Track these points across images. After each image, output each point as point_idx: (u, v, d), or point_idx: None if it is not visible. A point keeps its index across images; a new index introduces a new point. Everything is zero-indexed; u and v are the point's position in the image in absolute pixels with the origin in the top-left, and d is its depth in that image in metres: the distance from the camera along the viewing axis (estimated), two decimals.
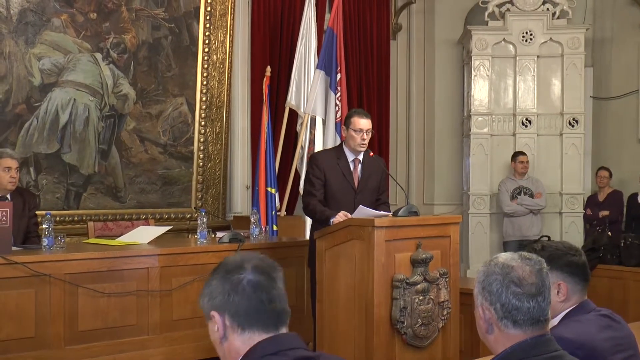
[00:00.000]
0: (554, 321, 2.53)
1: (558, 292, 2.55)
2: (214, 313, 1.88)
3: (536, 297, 1.97)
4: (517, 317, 1.96)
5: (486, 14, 8.77)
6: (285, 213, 7.30)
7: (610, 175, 8.28)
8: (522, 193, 8.18)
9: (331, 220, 4.62)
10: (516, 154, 8.28)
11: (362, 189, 5.00)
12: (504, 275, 1.99)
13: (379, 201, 5.08)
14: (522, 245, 7.76)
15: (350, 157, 5.02)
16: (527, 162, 8.22)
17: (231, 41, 7.36)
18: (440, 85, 9.42)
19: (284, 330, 1.91)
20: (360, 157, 5.02)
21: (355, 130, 4.90)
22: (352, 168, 5.01)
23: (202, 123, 7.20)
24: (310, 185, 4.98)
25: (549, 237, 6.79)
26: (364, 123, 4.90)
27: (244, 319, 1.85)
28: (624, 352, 2.46)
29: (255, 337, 1.87)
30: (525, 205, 8.10)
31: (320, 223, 4.79)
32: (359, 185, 5.00)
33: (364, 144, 4.92)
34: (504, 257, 2.06)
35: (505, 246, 8.21)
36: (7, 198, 5.03)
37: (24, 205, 5.16)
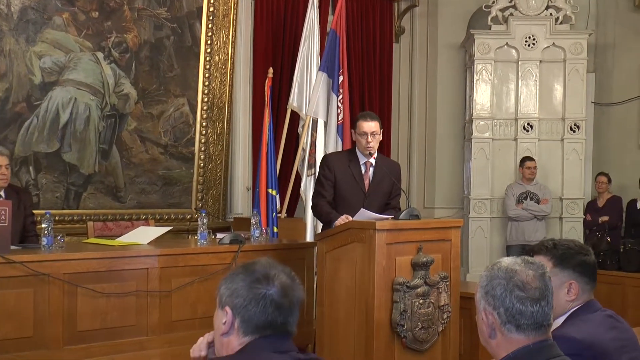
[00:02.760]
0: (559, 320, 2.51)
1: (568, 291, 2.52)
2: (228, 309, 1.93)
3: (540, 301, 1.96)
4: (521, 321, 1.95)
5: (489, 18, 8.76)
6: (285, 215, 7.29)
7: (609, 180, 8.28)
8: (529, 198, 8.18)
9: (333, 224, 4.62)
10: (524, 159, 8.29)
11: (373, 192, 4.98)
12: (508, 279, 1.98)
13: (388, 205, 5.05)
14: (525, 249, 7.76)
15: (362, 160, 5.00)
16: (535, 167, 8.22)
17: (233, 42, 7.34)
18: (443, 88, 9.41)
19: None
20: (373, 160, 5.00)
21: (359, 134, 4.89)
22: (363, 171, 4.99)
23: (204, 124, 7.18)
24: (320, 186, 5.01)
25: None
26: (367, 126, 4.87)
27: (253, 329, 1.91)
28: (628, 353, 2.44)
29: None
30: (529, 210, 8.11)
31: (325, 225, 4.80)
32: (369, 189, 4.98)
33: (369, 147, 4.89)
34: (507, 261, 2.04)
35: (508, 250, 8.22)
36: (0, 196, 4.99)
37: (19, 203, 5.10)
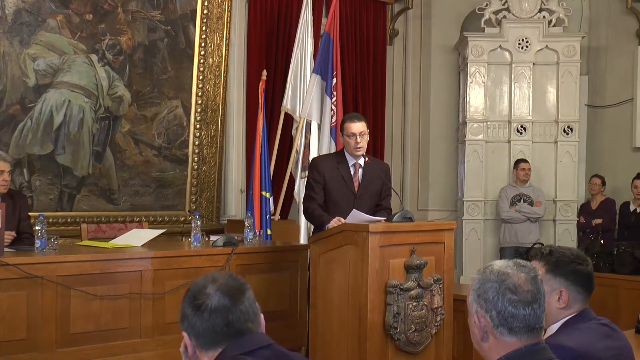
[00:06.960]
0: (553, 327, 2.51)
1: (559, 298, 2.53)
2: (184, 334, 2.02)
3: (532, 304, 1.96)
4: (513, 324, 1.95)
5: (482, 20, 8.78)
6: (279, 217, 7.28)
7: (603, 183, 8.29)
8: (522, 200, 8.19)
9: (326, 226, 4.62)
10: (518, 161, 8.30)
11: (363, 193, 4.98)
12: (500, 282, 1.98)
13: (379, 206, 5.04)
14: (519, 252, 7.78)
15: (350, 161, 4.99)
16: (529, 169, 8.24)
17: (227, 44, 7.34)
18: (436, 91, 9.42)
19: None
20: (362, 161, 5.00)
21: (348, 136, 4.90)
22: (352, 173, 4.99)
23: (197, 126, 7.18)
24: (310, 189, 4.99)
25: (542, 244, 6.79)
26: (355, 127, 4.88)
27: (203, 341, 1.99)
28: None
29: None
30: (523, 213, 8.12)
31: (317, 227, 4.80)
32: (359, 190, 4.97)
33: (359, 148, 4.90)
34: (499, 264, 2.04)
35: (502, 252, 8.23)
36: None
37: (15, 206, 5.12)
